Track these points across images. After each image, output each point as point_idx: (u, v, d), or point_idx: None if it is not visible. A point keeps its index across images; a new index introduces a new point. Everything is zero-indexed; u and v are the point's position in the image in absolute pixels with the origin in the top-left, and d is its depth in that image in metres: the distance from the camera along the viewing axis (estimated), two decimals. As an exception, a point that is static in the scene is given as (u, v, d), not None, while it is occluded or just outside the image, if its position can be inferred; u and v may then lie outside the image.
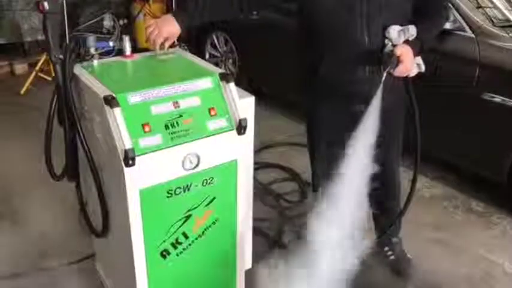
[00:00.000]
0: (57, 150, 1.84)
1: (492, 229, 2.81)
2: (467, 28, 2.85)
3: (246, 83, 4.14)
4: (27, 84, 4.47)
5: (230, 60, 4.43)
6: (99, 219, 1.83)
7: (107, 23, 5.12)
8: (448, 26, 2.80)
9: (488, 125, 2.79)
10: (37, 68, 4.52)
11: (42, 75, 4.47)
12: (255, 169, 3.16)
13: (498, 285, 2.40)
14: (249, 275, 2.09)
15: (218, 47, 4.50)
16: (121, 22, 5.32)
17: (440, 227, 2.79)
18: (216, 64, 4.51)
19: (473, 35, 2.82)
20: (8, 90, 4.54)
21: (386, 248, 2.46)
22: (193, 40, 4.56)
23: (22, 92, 4.44)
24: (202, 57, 4.49)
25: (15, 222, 2.75)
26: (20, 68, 5.01)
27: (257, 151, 3.35)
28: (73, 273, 2.38)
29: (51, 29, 1.69)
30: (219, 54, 4.52)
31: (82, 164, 1.84)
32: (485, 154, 2.86)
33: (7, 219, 2.78)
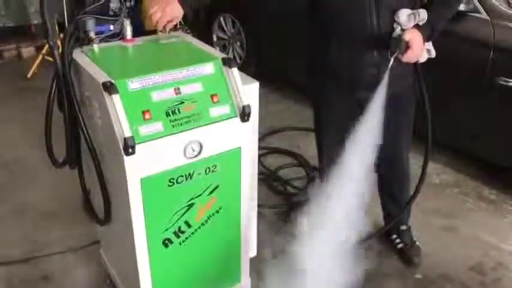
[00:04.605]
0: (62, 136, 1.81)
1: (504, 217, 2.75)
2: (482, 10, 2.75)
3: (254, 66, 4.09)
4: (34, 67, 4.45)
5: (238, 43, 4.35)
6: (102, 206, 1.81)
7: (114, 5, 5.03)
8: (462, 7, 2.71)
9: (501, 110, 2.70)
10: (43, 51, 4.48)
11: (49, 58, 4.43)
12: (262, 154, 3.14)
13: (509, 274, 2.35)
14: (254, 262, 2.07)
15: (226, 29, 4.43)
16: (128, 4, 5.22)
17: (450, 215, 2.74)
18: (224, 47, 4.45)
19: (488, 17, 2.73)
20: (15, 74, 4.53)
21: (394, 236, 2.43)
22: (201, 22, 4.49)
23: (29, 75, 4.42)
24: (210, 39, 4.43)
25: (18, 207, 2.75)
26: (27, 51, 4.98)
27: (264, 136, 3.31)
28: (78, 259, 2.38)
29: (48, 12, 1.63)
30: (226, 37, 4.44)
31: (84, 151, 1.81)
32: (498, 140, 2.79)
33: (10, 204, 2.78)
